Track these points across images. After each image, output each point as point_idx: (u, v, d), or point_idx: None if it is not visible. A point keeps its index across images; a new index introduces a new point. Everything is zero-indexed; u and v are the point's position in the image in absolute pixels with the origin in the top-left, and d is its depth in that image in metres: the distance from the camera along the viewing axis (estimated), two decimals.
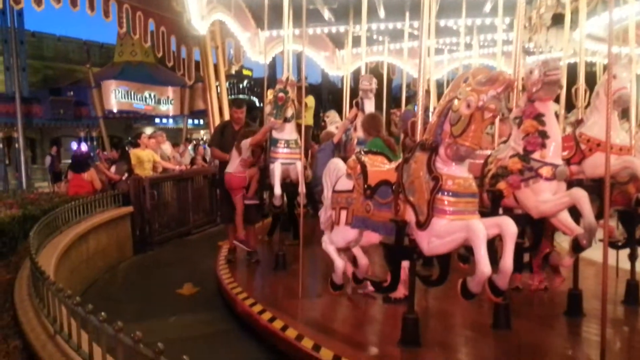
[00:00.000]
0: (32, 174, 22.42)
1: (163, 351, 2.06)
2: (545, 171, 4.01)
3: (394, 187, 3.88)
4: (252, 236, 6.77)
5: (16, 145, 21.36)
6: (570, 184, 4.25)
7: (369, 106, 6.42)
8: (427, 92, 5.95)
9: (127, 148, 10.76)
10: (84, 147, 10.62)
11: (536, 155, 4.05)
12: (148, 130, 18.50)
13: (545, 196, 4.02)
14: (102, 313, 2.50)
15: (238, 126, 6.81)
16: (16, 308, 3.86)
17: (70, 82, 29.76)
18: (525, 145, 4.09)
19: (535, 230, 4.41)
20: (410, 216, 3.72)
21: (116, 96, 24.74)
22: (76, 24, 42.50)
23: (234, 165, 6.45)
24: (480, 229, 3.34)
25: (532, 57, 10.23)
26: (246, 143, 6.29)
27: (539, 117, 4.07)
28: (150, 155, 10.07)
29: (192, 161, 13.05)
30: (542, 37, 8.76)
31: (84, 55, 28.21)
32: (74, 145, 19.06)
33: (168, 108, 26.59)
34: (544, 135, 4.04)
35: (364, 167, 4.23)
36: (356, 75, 9.78)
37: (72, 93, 26.87)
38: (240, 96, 35.20)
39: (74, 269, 6.49)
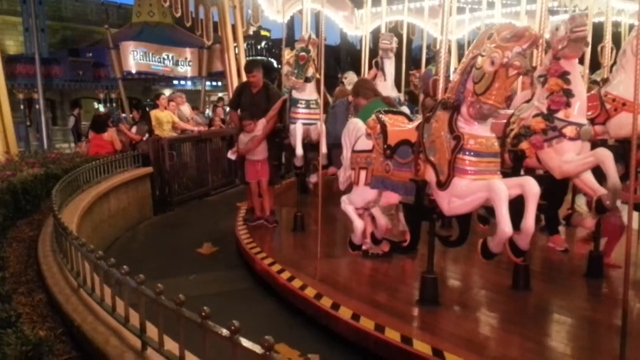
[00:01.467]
0: (53, 135, 22.63)
1: (184, 302, 2.09)
2: (569, 131, 3.92)
3: (414, 146, 3.84)
4: (268, 198, 6.75)
5: (36, 107, 21.50)
6: (595, 145, 4.16)
7: (389, 66, 6.33)
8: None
9: (147, 109, 10.78)
10: (102, 108, 10.68)
11: (560, 114, 3.96)
12: (167, 92, 18.48)
13: (568, 156, 3.94)
14: (125, 266, 2.53)
15: (255, 89, 6.66)
16: (40, 263, 3.94)
17: (88, 44, 29.74)
18: (550, 104, 3.99)
19: (558, 191, 4.35)
20: (430, 176, 3.69)
21: (134, 57, 24.67)
22: None
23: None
24: (501, 189, 3.30)
25: (557, 16, 9.95)
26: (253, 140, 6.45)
27: (564, 76, 3.95)
28: (170, 117, 10.10)
29: (210, 122, 13.04)
30: None
31: (102, 16, 28.10)
32: (97, 106, 19.19)
33: (186, 70, 26.47)
34: (568, 93, 3.94)
35: (383, 126, 4.19)
36: (375, 36, 9.61)
37: (90, 54, 26.86)
38: (258, 57, 34.90)
39: (96, 227, 6.60)
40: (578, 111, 3.98)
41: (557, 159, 4.00)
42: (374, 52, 7.93)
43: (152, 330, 2.46)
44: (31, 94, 23.12)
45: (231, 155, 6.73)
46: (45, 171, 6.56)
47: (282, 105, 6.30)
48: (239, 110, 6.86)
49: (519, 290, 4.36)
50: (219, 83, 29.51)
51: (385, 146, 4.09)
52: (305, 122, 6.01)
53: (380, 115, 4.31)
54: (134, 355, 2.49)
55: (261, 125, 6.45)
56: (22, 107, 23.19)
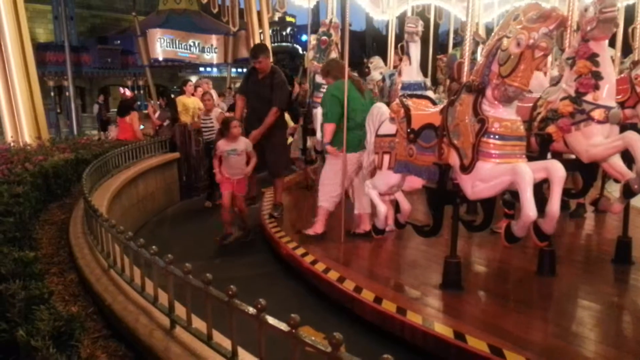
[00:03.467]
0: (82, 122, 23.03)
1: (211, 281, 2.14)
2: (597, 114, 3.87)
3: (437, 130, 3.83)
4: (279, 189, 6.74)
5: (66, 94, 21.89)
6: (624, 129, 4.08)
7: (414, 50, 6.28)
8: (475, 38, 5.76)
9: (172, 96, 10.92)
10: (128, 92, 10.84)
11: (589, 97, 3.90)
12: (193, 79, 18.65)
13: (596, 140, 3.89)
14: (154, 247, 2.60)
15: (262, 74, 6.33)
16: (71, 245, 4.05)
17: (116, 31, 30.07)
18: (578, 86, 3.93)
19: (586, 175, 4.29)
20: (454, 160, 3.68)
21: (161, 45, 24.88)
22: None
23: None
24: (526, 172, 3.27)
25: None
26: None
27: (593, 58, 3.89)
28: (196, 103, 10.18)
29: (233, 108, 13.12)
30: None
31: (130, 4, 28.34)
32: (123, 91, 19.40)
33: (212, 56, 26.60)
34: (597, 76, 3.88)
35: (407, 110, 4.18)
36: (401, 21, 9.52)
37: (118, 42, 27.16)
38: (284, 44, 34.84)
39: (125, 211, 6.74)
40: (607, 94, 3.91)
41: (584, 143, 3.95)
42: (400, 38, 7.87)
43: (180, 310, 2.52)
44: (61, 82, 23.52)
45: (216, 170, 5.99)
46: (76, 156, 6.71)
47: (274, 119, 6.06)
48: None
49: (544, 275, 4.33)
50: (245, 69, 29.58)
51: (409, 130, 4.09)
52: None
53: (404, 100, 4.30)
54: (162, 333, 2.56)
55: (243, 144, 5.84)
56: (52, 94, 23.59)
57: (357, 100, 5.06)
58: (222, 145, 5.77)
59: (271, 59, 6.54)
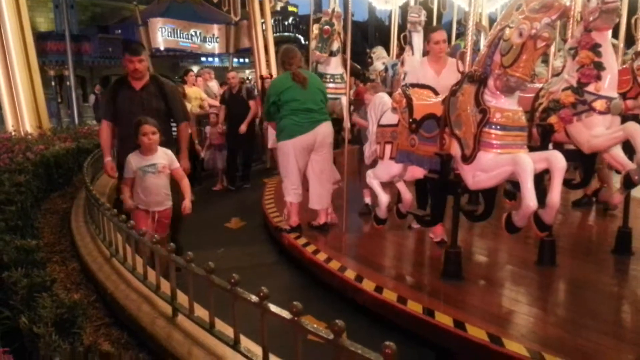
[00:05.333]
0: (83, 112, 23.02)
1: (214, 270, 2.15)
2: (599, 104, 3.86)
3: (439, 120, 3.83)
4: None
5: (67, 84, 21.88)
6: (625, 120, 4.08)
7: (417, 40, 6.25)
8: (478, 28, 5.74)
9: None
10: None
11: (590, 87, 3.89)
12: (195, 69, 18.59)
13: (598, 130, 3.88)
14: (155, 235, 2.61)
15: (135, 81, 4.64)
16: (73, 234, 4.07)
17: (117, 20, 29.98)
18: (580, 77, 3.92)
19: (586, 166, 4.29)
20: (455, 150, 3.68)
21: (162, 34, 24.82)
22: None
23: None
24: (527, 162, 3.27)
25: None
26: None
27: (595, 48, 3.88)
28: (198, 93, 10.16)
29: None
30: None
31: None
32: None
33: (213, 46, 26.53)
34: (599, 66, 3.86)
35: (409, 100, 4.17)
36: (404, 10, 9.47)
37: (119, 31, 27.09)
38: (285, 34, 34.69)
39: None
40: (609, 84, 3.91)
41: (586, 133, 3.95)
42: (402, 28, 7.84)
43: (182, 298, 2.54)
44: (62, 71, 23.50)
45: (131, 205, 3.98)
46: (77, 145, 6.72)
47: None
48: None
49: (544, 265, 4.34)
50: (247, 60, 29.50)
51: (410, 120, 4.08)
52: (330, 97, 6.00)
53: (406, 90, 4.29)
54: (165, 321, 2.58)
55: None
56: (53, 84, 23.59)
57: (292, 90, 5.02)
58: (134, 160, 4.01)
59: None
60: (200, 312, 2.42)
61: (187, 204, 4.13)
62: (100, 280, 3.20)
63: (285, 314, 1.78)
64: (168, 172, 4.11)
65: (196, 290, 2.38)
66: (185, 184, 4.23)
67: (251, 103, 8.38)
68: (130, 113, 4.42)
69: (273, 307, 1.86)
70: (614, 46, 4.68)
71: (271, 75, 11.78)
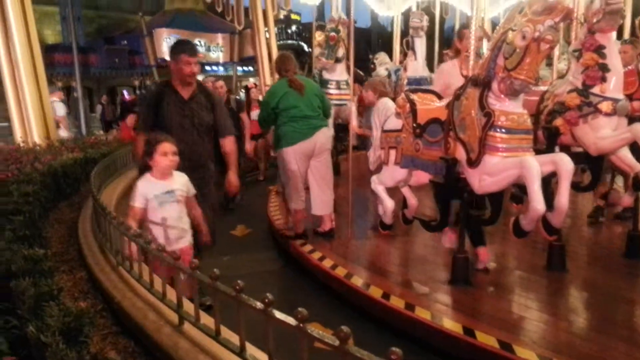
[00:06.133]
0: (91, 122, 23.15)
1: (219, 277, 2.15)
2: (605, 106, 3.85)
3: (444, 125, 3.82)
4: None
5: (74, 95, 22.02)
6: (632, 121, 4.06)
7: (420, 45, 6.28)
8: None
9: None
10: (126, 95, 11.01)
11: (596, 89, 3.88)
12: (199, 78, 18.66)
13: (604, 132, 3.87)
14: (161, 243, 2.61)
15: (184, 88, 4.09)
16: (80, 243, 4.08)
17: (123, 31, 30.25)
18: (585, 79, 3.91)
19: (594, 168, 4.26)
20: (460, 154, 3.67)
21: (167, 44, 25.01)
22: None
23: None
24: (533, 165, 3.26)
25: None
26: None
27: (599, 50, 3.87)
28: None
29: (248, 105, 13.13)
30: None
31: (136, 4, 28.49)
32: (123, 94, 19.58)
33: (218, 55, 26.75)
34: (604, 68, 3.85)
35: (413, 105, 4.17)
36: (407, 17, 9.51)
37: (125, 42, 27.36)
38: (289, 41, 34.85)
39: None
40: (614, 86, 3.89)
41: (592, 136, 3.93)
42: (405, 34, 7.86)
43: (188, 306, 2.54)
44: (69, 82, 23.69)
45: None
46: (84, 155, 6.76)
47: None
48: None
49: (553, 270, 4.30)
50: (251, 68, 29.66)
51: (414, 125, 4.08)
52: (336, 103, 6.00)
53: (410, 94, 4.29)
54: (171, 329, 2.58)
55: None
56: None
57: (290, 97, 4.99)
58: (146, 186, 3.37)
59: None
60: (206, 319, 2.42)
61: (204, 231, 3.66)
62: (107, 289, 3.20)
63: (291, 320, 1.77)
64: (184, 202, 3.49)
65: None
66: (198, 213, 3.62)
67: (242, 116, 7.59)
68: (180, 127, 3.96)
69: (278, 314, 1.85)
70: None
71: (256, 85, 11.72)
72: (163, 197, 3.34)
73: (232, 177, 4.28)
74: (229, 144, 4.31)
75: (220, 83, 7.75)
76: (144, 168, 3.45)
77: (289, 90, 4.96)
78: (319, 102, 5.08)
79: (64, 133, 10.29)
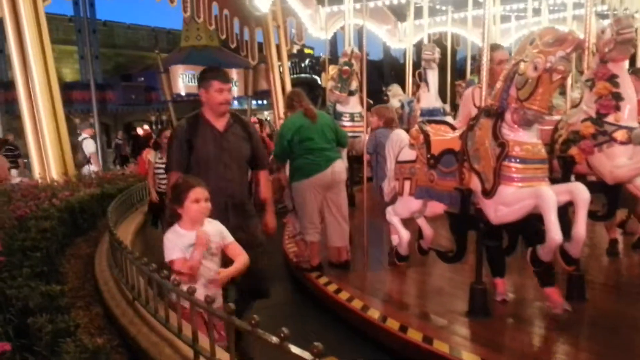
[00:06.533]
0: (107, 158, 23.49)
1: (234, 311, 2.14)
2: (620, 135, 3.84)
3: (458, 155, 3.83)
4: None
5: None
6: None
7: (432, 77, 6.34)
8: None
9: None
10: (140, 131, 11.17)
11: (610, 118, 3.88)
12: None
13: (620, 161, 3.85)
14: (176, 277, 2.62)
15: (218, 119, 3.73)
16: (97, 278, 4.10)
17: (140, 68, 30.87)
18: (598, 108, 3.92)
19: (610, 197, 4.22)
20: (475, 184, 3.66)
21: (183, 80, 25.47)
22: (144, 11, 43.96)
23: None
24: (550, 195, 3.24)
25: (606, 20, 9.70)
26: None
27: (612, 79, 3.88)
28: None
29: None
30: None
31: (153, 42, 29.15)
32: (138, 130, 19.88)
33: (232, 90, 27.12)
34: (618, 97, 3.86)
35: (427, 136, 4.19)
36: (418, 49, 9.62)
37: (142, 79, 27.88)
38: (302, 75, 35.28)
39: (149, 244, 6.79)
40: (628, 114, 3.89)
41: (608, 164, 3.91)
42: (417, 65, 7.94)
43: (204, 341, 2.52)
44: (87, 119, 24.12)
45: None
46: (101, 191, 6.83)
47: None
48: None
49: (573, 300, 4.22)
50: (265, 102, 30.03)
51: (429, 156, 4.09)
52: (350, 135, 6.05)
53: (423, 125, 4.31)
54: None
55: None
56: (78, 131, 24.17)
57: (306, 129, 5.03)
58: (175, 238, 3.04)
59: None
60: (222, 354, 2.40)
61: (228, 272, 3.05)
62: (123, 324, 3.20)
63: (307, 355, 1.75)
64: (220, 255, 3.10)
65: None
66: (240, 261, 3.06)
67: None
68: (219, 162, 3.60)
69: (294, 348, 1.83)
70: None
71: (259, 121, 11.77)
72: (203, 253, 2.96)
73: (270, 218, 3.85)
74: (264, 177, 3.94)
75: None
76: (172, 217, 3.06)
77: (304, 122, 5.02)
78: (332, 134, 5.12)
79: (94, 168, 10.70)
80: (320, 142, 5.00)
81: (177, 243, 2.98)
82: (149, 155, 6.28)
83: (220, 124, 3.69)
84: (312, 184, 5.02)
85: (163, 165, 5.30)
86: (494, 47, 4.82)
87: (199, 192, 2.97)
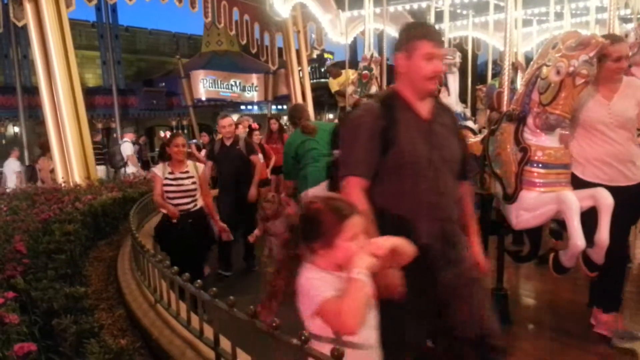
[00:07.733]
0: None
1: (256, 314, 2.15)
2: None
3: (479, 160, 3.80)
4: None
5: (114, 135, 22.73)
6: None
7: (453, 81, 6.28)
8: (515, 65, 5.73)
9: (213, 135, 11.19)
10: (167, 134, 11.36)
11: None
12: (235, 117, 19.09)
13: None
14: (199, 281, 2.64)
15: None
16: (119, 281, 4.15)
17: (161, 74, 31.15)
18: None
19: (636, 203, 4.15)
20: (497, 189, 3.63)
21: (204, 85, 25.64)
22: (166, 17, 44.52)
23: None
24: (572, 200, 3.20)
25: (630, 24, 9.56)
26: None
27: None
28: None
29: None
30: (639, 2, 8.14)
31: (174, 47, 29.39)
32: (164, 134, 20.09)
33: (253, 95, 27.23)
34: None
35: None
36: None
37: (163, 84, 28.14)
38: (322, 80, 35.31)
39: None
40: None
41: None
42: None
43: (225, 343, 2.54)
44: (109, 124, 24.46)
45: None
46: (123, 194, 6.92)
47: None
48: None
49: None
50: (284, 107, 30.13)
51: None
52: None
53: None
54: None
55: None
56: (100, 136, 24.52)
57: (307, 142, 5.11)
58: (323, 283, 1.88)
59: None
60: (243, 356, 2.41)
61: None
62: (145, 326, 3.24)
63: (328, 357, 1.76)
64: None
65: (238, 335, 2.38)
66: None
67: (253, 159, 6.41)
68: (430, 165, 2.37)
69: (315, 351, 1.84)
70: None
71: (260, 126, 11.73)
72: None
73: (477, 252, 2.64)
74: (469, 192, 2.70)
75: (228, 120, 6.44)
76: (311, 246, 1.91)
77: (305, 137, 5.09)
78: (331, 137, 5.12)
79: (132, 169, 11.53)
80: (324, 150, 5.03)
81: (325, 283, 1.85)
82: (156, 168, 5.14)
83: (424, 109, 2.45)
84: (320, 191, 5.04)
85: (175, 182, 4.82)
86: (615, 39, 3.58)
87: (356, 223, 1.88)
